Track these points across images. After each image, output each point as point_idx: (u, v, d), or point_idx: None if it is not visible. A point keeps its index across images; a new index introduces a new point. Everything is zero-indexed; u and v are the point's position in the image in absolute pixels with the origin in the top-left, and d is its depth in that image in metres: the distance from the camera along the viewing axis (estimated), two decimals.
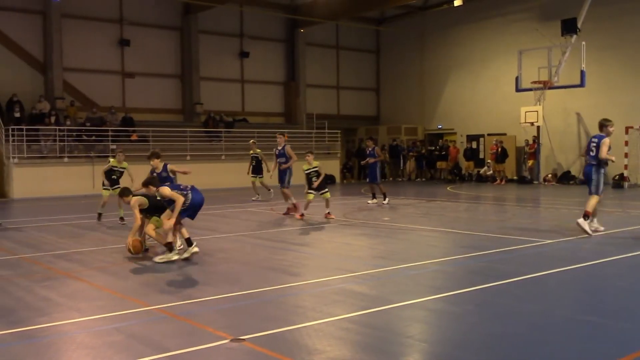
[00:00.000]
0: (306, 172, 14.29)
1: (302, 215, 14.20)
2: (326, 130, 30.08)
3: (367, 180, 18.03)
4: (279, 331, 5.43)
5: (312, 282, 7.58)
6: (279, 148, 15.55)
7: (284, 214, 15.00)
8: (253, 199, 18.80)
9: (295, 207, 14.69)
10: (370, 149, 17.58)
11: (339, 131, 30.87)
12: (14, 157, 21.56)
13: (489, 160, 27.89)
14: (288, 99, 32.02)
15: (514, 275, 7.73)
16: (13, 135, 21.60)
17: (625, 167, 23.66)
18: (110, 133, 23.85)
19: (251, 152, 19.86)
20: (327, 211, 14.25)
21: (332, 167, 29.21)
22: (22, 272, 8.39)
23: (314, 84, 32.76)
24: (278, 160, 15.51)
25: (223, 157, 26.08)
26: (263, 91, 31.29)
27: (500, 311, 6.21)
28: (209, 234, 11.93)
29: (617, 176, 24.11)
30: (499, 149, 27.01)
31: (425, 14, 32.26)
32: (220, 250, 10.11)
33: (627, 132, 23.74)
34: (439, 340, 5.39)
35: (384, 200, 17.20)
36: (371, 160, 17.29)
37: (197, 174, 25.21)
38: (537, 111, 24.59)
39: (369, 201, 17.51)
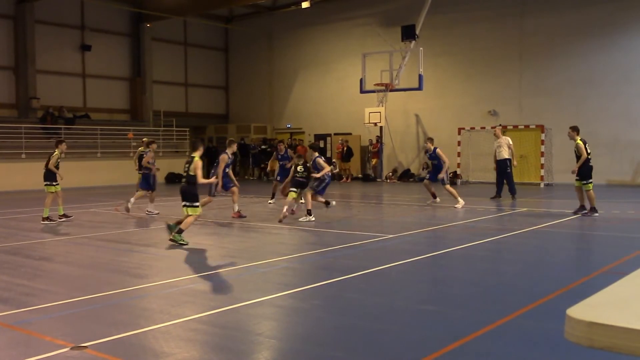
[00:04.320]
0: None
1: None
2: (174, 128, 29.46)
3: (279, 179, 17.02)
4: (125, 336, 5.25)
5: (160, 284, 7.41)
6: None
7: None
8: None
9: None
10: (282, 152, 17.56)
11: (188, 129, 30.34)
12: None
13: (334, 160, 28.78)
14: (134, 96, 30.90)
15: (359, 270, 8.07)
16: None
17: (458, 165, 25.50)
18: None
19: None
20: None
21: (181, 165, 28.59)
22: None
23: (161, 81, 31.92)
24: None
25: (63, 155, 24.57)
26: (107, 87, 29.93)
27: (345, 304, 6.46)
28: (47, 237, 11.24)
29: (451, 174, 25.90)
30: (345, 148, 27.95)
31: (273, 14, 32.59)
32: (60, 254, 9.57)
33: (459, 133, 25.63)
34: (288, 336, 5.50)
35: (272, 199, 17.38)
36: (288, 164, 17.04)
37: (34, 174, 23.82)
38: (379, 112, 25.75)
39: (270, 201, 17.41)
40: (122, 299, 6.70)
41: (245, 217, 13.86)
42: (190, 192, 10.13)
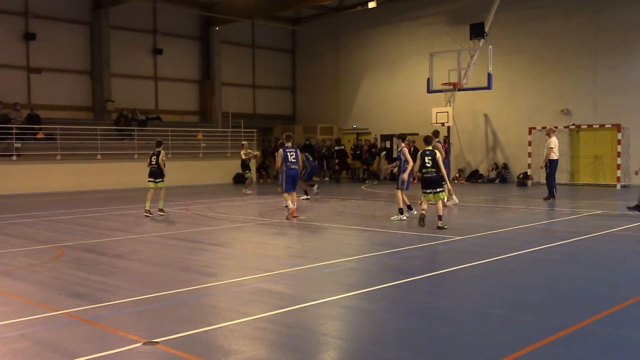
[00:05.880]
0: None
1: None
2: (242, 129, 29.90)
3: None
4: (194, 333, 5.36)
5: (228, 282, 7.53)
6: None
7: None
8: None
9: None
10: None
11: (255, 130, 30.75)
12: None
13: (376, 160, 28.48)
14: (203, 98, 31.58)
15: (426, 272, 7.97)
16: None
17: (529, 166, 24.82)
18: (14, 131, 22.75)
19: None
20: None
21: (250, 167, 29.08)
22: None
23: (229, 83, 32.48)
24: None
25: (136, 156, 25.41)
26: (177, 89, 30.71)
27: (412, 307, 6.38)
28: (120, 235, 11.61)
29: (522, 175, 25.28)
30: (411, 149, 27.61)
31: (340, 15, 32.63)
32: (133, 251, 9.86)
33: (530, 133, 24.94)
34: (354, 337, 5.48)
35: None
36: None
37: (108, 174, 24.73)
38: (447, 112, 25.35)
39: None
40: (192, 296, 6.85)
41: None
42: (438, 181, 12.05)
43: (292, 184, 14.06)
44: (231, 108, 31.50)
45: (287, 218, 13.78)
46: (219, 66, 31.59)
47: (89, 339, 5.28)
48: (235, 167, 28.07)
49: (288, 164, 14.01)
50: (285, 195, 14.25)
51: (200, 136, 27.95)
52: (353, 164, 30.43)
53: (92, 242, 10.74)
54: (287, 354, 4.89)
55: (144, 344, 5.03)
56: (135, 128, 26.72)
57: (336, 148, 30.23)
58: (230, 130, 29.77)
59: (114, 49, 27.64)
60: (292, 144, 14.45)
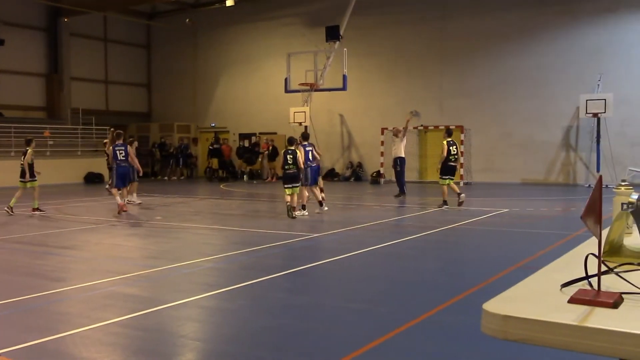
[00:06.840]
0: None
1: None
2: (94, 127, 28.54)
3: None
4: (41, 342, 5.06)
5: (79, 287, 7.18)
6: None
7: None
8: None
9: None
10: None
11: (108, 127, 29.44)
12: None
13: (259, 159, 28.64)
14: (50, 93, 29.71)
15: (285, 269, 8.08)
16: None
17: (381, 165, 25.92)
18: None
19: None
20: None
21: (101, 165, 27.82)
22: None
23: (79, 77, 30.81)
24: None
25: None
26: (21, 83, 28.63)
27: (271, 305, 6.46)
28: None
29: (375, 173, 26.34)
30: (270, 148, 27.88)
31: (197, 11, 32.09)
32: None
33: (382, 133, 26.05)
34: (213, 337, 5.45)
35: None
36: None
37: None
38: (304, 112, 25.81)
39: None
40: (38, 303, 6.45)
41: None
42: (298, 177, 13.55)
43: (122, 180, 14.76)
44: (82, 104, 29.93)
45: (118, 213, 14.11)
46: (68, 60, 29.89)
47: None
48: (86, 165, 26.89)
49: (118, 161, 14.62)
50: (115, 191, 14.69)
51: (47, 133, 26.32)
52: (211, 162, 29.99)
53: None
54: (142, 358, 4.76)
55: None
56: None
57: (214, 146, 29.60)
58: (80, 127, 28.28)
59: None
60: (124, 141, 15.18)
